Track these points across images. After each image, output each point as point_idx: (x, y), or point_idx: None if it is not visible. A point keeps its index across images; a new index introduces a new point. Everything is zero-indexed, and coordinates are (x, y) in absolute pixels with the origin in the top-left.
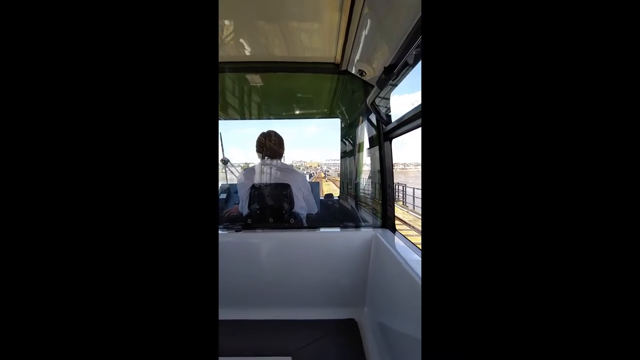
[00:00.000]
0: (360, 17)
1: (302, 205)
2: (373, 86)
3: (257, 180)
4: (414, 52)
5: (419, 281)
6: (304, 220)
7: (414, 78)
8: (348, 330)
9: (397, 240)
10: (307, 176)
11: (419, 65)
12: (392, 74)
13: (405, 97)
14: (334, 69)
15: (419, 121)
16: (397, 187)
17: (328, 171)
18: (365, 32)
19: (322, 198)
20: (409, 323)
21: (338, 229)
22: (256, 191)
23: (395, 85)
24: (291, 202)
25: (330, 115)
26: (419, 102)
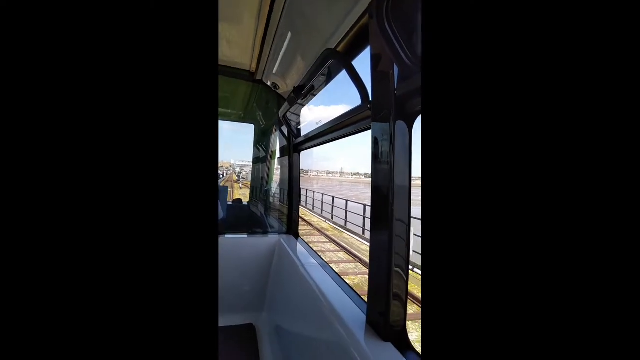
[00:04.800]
0: (276, 31)
1: None
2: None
3: None
4: (320, 77)
5: (313, 284)
6: None
7: (324, 97)
8: (245, 335)
9: (299, 246)
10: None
11: (327, 87)
12: (300, 95)
13: (321, 110)
14: (249, 76)
15: (328, 137)
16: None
17: (241, 173)
18: (280, 48)
19: (230, 203)
20: (302, 323)
21: (245, 235)
22: None
23: (304, 104)
24: None
25: (244, 119)
26: (329, 119)
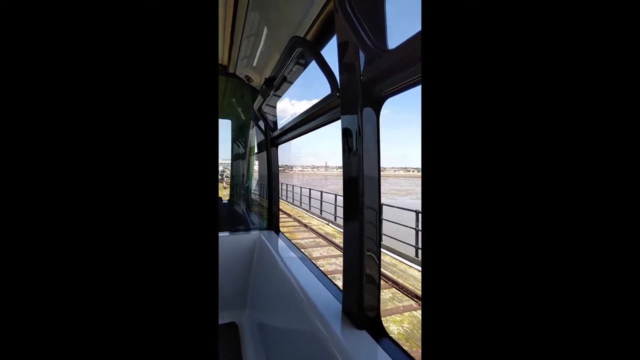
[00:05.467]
0: (245, 21)
1: None
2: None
3: None
4: (291, 67)
5: (292, 278)
6: None
7: (308, 90)
8: (228, 333)
9: (280, 241)
10: None
11: (312, 80)
12: (272, 86)
13: (302, 104)
14: (222, 70)
15: (302, 128)
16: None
17: (224, 171)
18: (250, 38)
19: None
20: (283, 319)
21: (227, 233)
22: None
23: (278, 96)
24: None
25: (221, 115)
26: (300, 111)
